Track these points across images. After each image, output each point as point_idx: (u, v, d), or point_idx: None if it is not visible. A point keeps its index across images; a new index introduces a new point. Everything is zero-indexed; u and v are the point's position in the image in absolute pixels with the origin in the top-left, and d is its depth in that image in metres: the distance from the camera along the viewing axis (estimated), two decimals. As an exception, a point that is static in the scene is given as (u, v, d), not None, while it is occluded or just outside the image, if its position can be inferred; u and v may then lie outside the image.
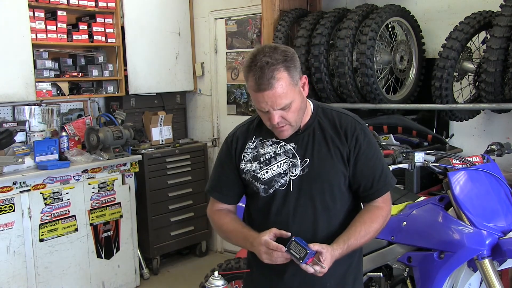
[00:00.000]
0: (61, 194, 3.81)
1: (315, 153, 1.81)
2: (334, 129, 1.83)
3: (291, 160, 1.82)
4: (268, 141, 1.86)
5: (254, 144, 1.88)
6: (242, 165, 1.88)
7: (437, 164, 2.32)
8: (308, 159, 1.80)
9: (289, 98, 1.69)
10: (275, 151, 1.84)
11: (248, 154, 1.88)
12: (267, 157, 1.84)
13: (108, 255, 4.14)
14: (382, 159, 1.88)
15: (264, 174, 1.84)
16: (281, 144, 1.84)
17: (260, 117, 1.88)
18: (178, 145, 4.82)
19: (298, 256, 1.64)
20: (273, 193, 1.82)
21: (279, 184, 1.82)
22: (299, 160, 1.81)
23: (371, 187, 1.83)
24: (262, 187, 1.84)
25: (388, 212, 1.87)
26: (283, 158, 1.82)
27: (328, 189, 1.80)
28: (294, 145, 1.83)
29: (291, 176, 1.81)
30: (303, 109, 1.79)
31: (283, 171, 1.82)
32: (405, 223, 2.33)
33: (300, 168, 1.80)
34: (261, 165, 1.84)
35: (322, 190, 1.80)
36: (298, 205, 1.81)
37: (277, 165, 1.83)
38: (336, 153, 1.80)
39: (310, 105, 1.88)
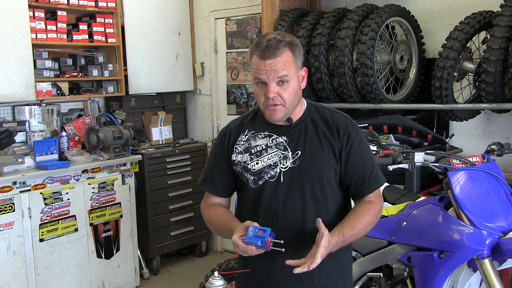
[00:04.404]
0: (61, 194, 3.81)
1: (306, 146, 1.84)
2: (326, 125, 1.87)
3: (283, 152, 1.84)
4: (260, 134, 1.90)
5: (247, 136, 1.91)
6: (233, 157, 1.91)
7: (437, 164, 2.32)
8: (299, 152, 1.83)
9: (289, 72, 1.76)
10: (266, 144, 1.87)
11: (240, 146, 1.91)
12: (258, 149, 1.87)
13: (108, 255, 4.14)
14: (372, 157, 1.92)
15: (254, 165, 1.86)
16: (273, 137, 1.87)
17: (255, 111, 1.94)
18: (178, 145, 4.82)
19: (259, 241, 1.64)
20: (263, 185, 1.85)
21: (269, 175, 1.84)
22: (290, 153, 1.84)
23: (362, 183, 1.85)
24: (252, 178, 1.86)
25: (380, 206, 1.89)
26: (274, 151, 1.85)
27: (318, 182, 1.82)
28: (286, 138, 1.86)
29: (282, 168, 1.83)
30: (298, 95, 1.83)
31: (274, 163, 1.84)
32: (405, 223, 2.33)
33: (291, 161, 1.83)
34: (252, 156, 1.87)
35: (312, 183, 1.82)
36: (288, 197, 1.83)
37: (268, 157, 1.85)
38: (328, 147, 1.83)
39: (304, 102, 1.92)
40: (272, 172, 1.84)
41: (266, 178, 1.84)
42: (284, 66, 1.75)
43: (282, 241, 1.67)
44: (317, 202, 1.83)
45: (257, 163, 1.86)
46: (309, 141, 1.84)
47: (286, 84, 1.77)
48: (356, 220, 1.79)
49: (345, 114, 1.92)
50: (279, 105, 1.79)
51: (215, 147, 2.00)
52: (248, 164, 1.87)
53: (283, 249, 1.67)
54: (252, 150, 1.88)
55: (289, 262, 1.65)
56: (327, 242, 1.65)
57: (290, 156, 1.83)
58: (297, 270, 1.62)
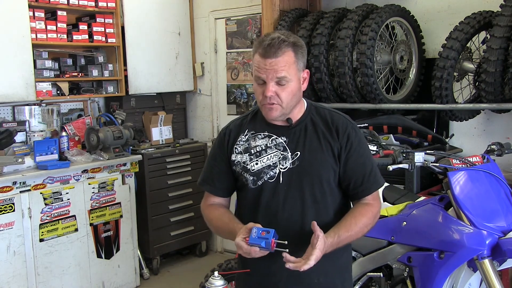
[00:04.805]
0: (61, 194, 3.81)
1: (306, 146, 1.84)
2: (326, 125, 1.87)
3: (282, 153, 1.84)
4: (260, 134, 1.90)
5: (246, 137, 1.91)
6: (233, 157, 1.91)
7: (437, 164, 2.32)
8: (299, 152, 1.83)
9: (288, 74, 1.76)
10: (266, 144, 1.87)
11: (239, 146, 1.91)
12: (258, 150, 1.87)
13: (108, 255, 4.14)
14: (371, 158, 1.92)
15: (254, 165, 1.86)
16: (273, 137, 1.87)
17: (255, 111, 1.95)
18: (178, 145, 4.82)
19: (263, 243, 1.64)
20: (262, 185, 1.84)
21: (268, 176, 1.84)
22: (290, 153, 1.84)
23: (361, 184, 1.85)
24: (251, 179, 1.86)
25: (378, 209, 1.89)
26: (273, 151, 1.85)
27: (317, 182, 1.82)
28: (285, 139, 1.86)
29: (281, 168, 1.83)
30: (297, 97, 1.83)
31: (273, 164, 1.84)
32: (405, 223, 2.33)
33: (290, 161, 1.83)
34: (252, 157, 1.87)
35: (311, 183, 1.82)
36: (288, 198, 1.83)
37: (267, 158, 1.85)
38: (327, 147, 1.83)
39: (304, 103, 1.92)
40: (272, 173, 1.84)
41: (266, 179, 1.84)
42: (284, 67, 1.74)
43: (286, 242, 1.66)
44: (316, 203, 1.83)
45: (257, 164, 1.86)
46: (308, 141, 1.84)
47: (285, 84, 1.77)
48: (352, 221, 1.79)
49: (345, 115, 1.92)
50: (275, 104, 1.79)
51: (214, 147, 2.00)
52: (247, 165, 1.87)
53: (287, 250, 1.66)
54: (252, 151, 1.88)
55: (285, 255, 1.65)
56: (322, 244, 1.65)
57: (290, 156, 1.83)
58: (288, 265, 1.63)
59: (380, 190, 1.97)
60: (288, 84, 1.77)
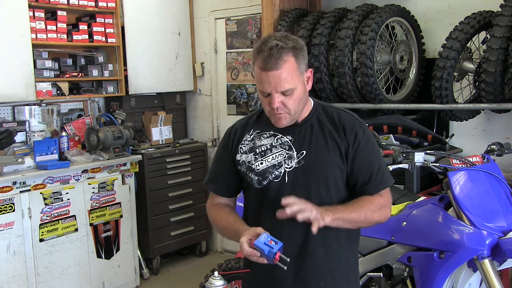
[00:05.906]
0: (61, 194, 3.81)
1: (312, 145, 1.81)
2: (332, 124, 1.84)
3: (287, 152, 1.82)
4: (265, 133, 1.88)
5: (252, 136, 1.90)
6: (238, 157, 1.89)
7: (437, 164, 2.32)
8: (304, 151, 1.81)
9: (292, 83, 1.72)
10: (271, 143, 1.85)
11: (244, 146, 1.89)
12: (262, 149, 1.85)
13: (108, 255, 4.14)
14: (380, 157, 1.88)
15: (258, 165, 1.84)
16: (278, 136, 1.85)
17: (261, 110, 1.92)
18: (178, 145, 4.82)
19: (267, 250, 1.62)
20: (267, 185, 1.82)
21: (273, 175, 1.82)
22: (295, 152, 1.81)
23: (367, 182, 1.82)
24: (256, 178, 1.84)
25: (386, 201, 1.84)
26: (278, 150, 1.83)
27: (323, 182, 1.80)
28: (291, 138, 1.84)
29: (286, 168, 1.81)
30: (304, 100, 1.81)
31: (278, 163, 1.82)
32: (405, 223, 2.34)
33: (296, 160, 1.81)
34: (256, 156, 1.85)
35: (317, 183, 1.80)
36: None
37: (272, 157, 1.83)
38: (334, 146, 1.81)
39: (311, 102, 1.90)
40: (277, 172, 1.82)
41: (271, 178, 1.82)
42: (286, 78, 1.70)
43: (288, 259, 1.64)
44: (322, 202, 1.79)
45: (261, 163, 1.84)
46: (314, 140, 1.82)
47: (290, 94, 1.74)
48: (355, 203, 1.77)
49: (353, 113, 1.89)
50: (283, 114, 1.76)
51: (219, 147, 2.00)
52: (252, 164, 1.85)
53: (286, 267, 1.64)
54: (257, 150, 1.86)
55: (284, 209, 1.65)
56: (301, 201, 1.66)
57: (295, 155, 1.81)
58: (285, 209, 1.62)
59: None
60: (293, 92, 1.74)
